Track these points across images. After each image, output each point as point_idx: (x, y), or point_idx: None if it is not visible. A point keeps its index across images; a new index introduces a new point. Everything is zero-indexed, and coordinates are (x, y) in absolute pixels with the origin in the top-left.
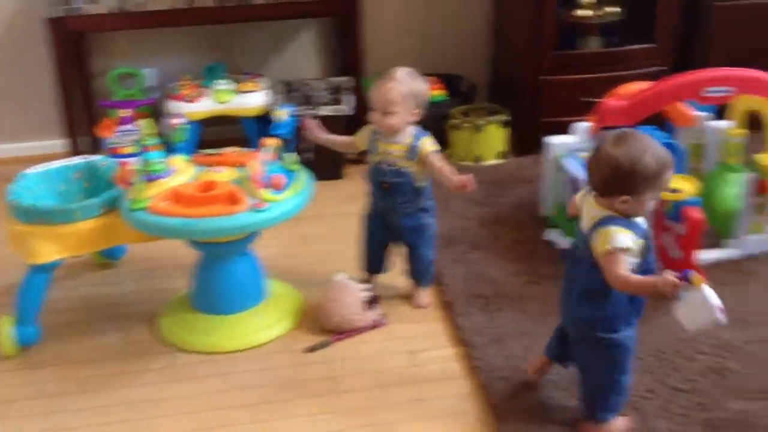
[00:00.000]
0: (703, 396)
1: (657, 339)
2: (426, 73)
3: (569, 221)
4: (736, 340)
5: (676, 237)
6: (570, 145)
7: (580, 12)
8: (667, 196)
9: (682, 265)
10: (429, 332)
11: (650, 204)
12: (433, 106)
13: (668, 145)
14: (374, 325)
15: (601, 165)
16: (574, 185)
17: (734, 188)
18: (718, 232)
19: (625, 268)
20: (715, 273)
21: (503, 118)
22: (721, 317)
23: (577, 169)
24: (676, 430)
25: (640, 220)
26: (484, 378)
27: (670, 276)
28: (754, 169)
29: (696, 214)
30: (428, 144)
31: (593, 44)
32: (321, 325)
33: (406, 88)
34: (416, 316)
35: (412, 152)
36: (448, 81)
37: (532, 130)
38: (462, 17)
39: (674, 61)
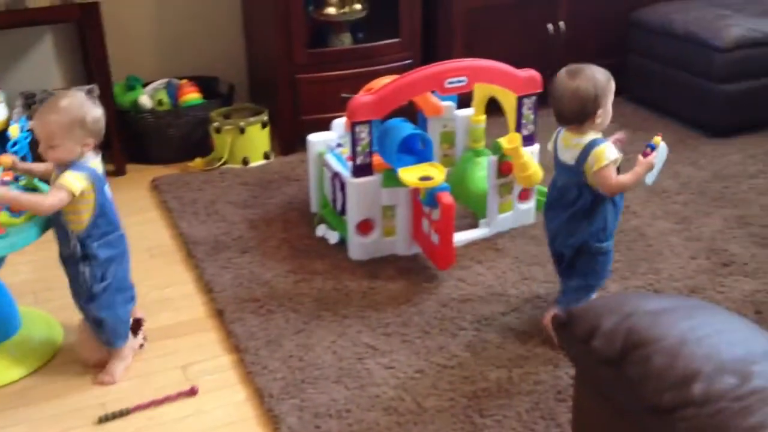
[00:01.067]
0: (467, 369)
1: (423, 320)
2: (180, 76)
3: (338, 215)
4: (492, 313)
5: (432, 222)
6: (330, 142)
7: (329, 9)
8: (420, 184)
9: (443, 249)
10: (202, 343)
11: (610, 110)
12: (191, 109)
13: (417, 136)
14: (190, 392)
15: (570, 100)
16: (337, 180)
17: (482, 171)
18: (473, 213)
19: (616, 175)
20: (472, 252)
21: (264, 118)
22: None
23: (338, 164)
24: (443, 406)
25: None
26: (260, 382)
27: (644, 159)
28: (497, 151)
29: (447, 199)
30: (65, 177)
31: (345, 41)
32: (85, 362)
33: (67, 118)
34: (188, 328)
35: None
36: (205, 83)
37: (294, 128)
38: (213, 18)
39: (422, 54)
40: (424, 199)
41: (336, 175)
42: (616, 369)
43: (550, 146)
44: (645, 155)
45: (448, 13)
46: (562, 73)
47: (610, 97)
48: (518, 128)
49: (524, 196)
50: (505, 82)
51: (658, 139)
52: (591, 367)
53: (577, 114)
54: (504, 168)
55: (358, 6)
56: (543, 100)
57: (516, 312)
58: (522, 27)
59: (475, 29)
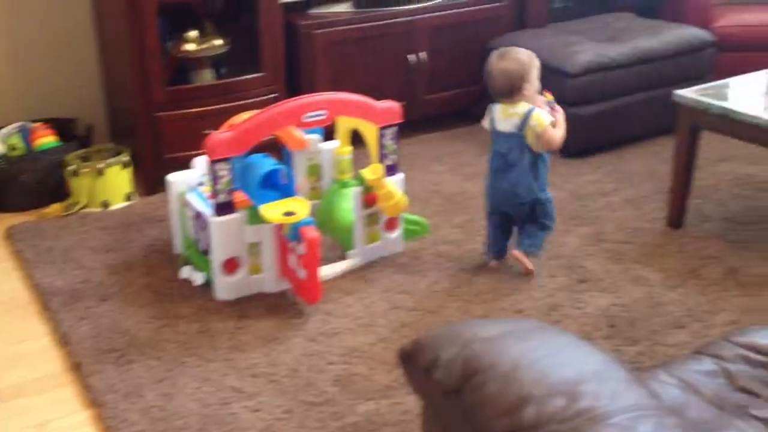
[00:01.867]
0: (335, 405)
1: (291, 358)
2: (35, 120)
3: (203, 255)
4: (361, 345)
5: (298, 257)
6: (191, 180)
7: (187, 46)
8: (283, 219)
9: (310, 283)
10: (59, 399)
11: (537, 83)
12: (46, 153)
13: (279, 171)
14: None
15: (500, 78)
16: (199, 220)
17: (349, 202)
18: (342, 245)
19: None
20: (341, 284)
21: (124, 158)
22: None
23: (200, 203)
24: None
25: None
26: None
27: (557, 113)
28: (363, 183)
29: (312, 233)
30: None
31: (206, 77)
32: None
33: None
34: (44, 384)
35: None
36: (62, 125)
37: (156, 167)
38: (68, 58)
39: (288, 87)
40: (289, 235)
41: (198, 215)
42: (456, 399)
43: (485, 124)
44: (555, 110)
45: (310, 47)
46: (494, 55)
47: (535, 72)
48: (381, 159)
49: (391, 225)
50: (364, 114)
51: (550, 96)
52: (434, 399)
53: (508, 89)
54: (369, 199)
55: (218, 41)
56: (403, 130)
57: (384, 342)
58: (385, 58)
59: (338, 62)
